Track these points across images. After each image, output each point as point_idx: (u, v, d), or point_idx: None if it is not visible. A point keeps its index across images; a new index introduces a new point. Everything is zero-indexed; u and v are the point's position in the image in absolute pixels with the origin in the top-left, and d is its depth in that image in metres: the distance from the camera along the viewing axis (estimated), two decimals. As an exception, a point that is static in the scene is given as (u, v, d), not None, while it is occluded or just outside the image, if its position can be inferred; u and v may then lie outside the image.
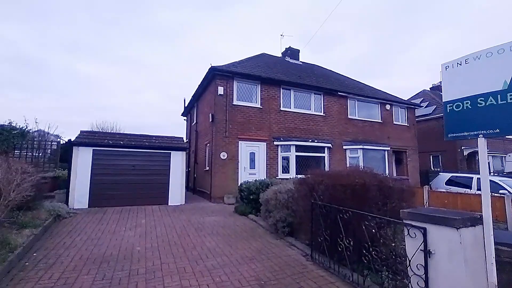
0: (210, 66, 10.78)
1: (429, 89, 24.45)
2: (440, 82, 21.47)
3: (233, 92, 11.29)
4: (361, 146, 13.41)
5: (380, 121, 15.08)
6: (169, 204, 9.67)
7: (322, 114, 13.24)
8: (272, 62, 14.79)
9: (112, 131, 23.74)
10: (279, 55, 17.84)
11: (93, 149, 8.86)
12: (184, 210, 8.73)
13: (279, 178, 11.08)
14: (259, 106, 11.73)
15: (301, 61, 17.54)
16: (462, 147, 18.68)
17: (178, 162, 9.96)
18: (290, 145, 11.79)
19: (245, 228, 6.55)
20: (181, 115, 18.97)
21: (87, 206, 8.58)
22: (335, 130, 13.46)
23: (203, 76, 11.80)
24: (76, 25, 53.48)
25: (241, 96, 11.55)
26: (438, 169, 18.70)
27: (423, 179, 15.25)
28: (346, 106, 14.05)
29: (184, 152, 10.18)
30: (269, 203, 6.14)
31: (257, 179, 8.75)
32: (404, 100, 17.16)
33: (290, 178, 11.30)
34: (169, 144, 10.00)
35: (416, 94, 24.07)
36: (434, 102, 20.76)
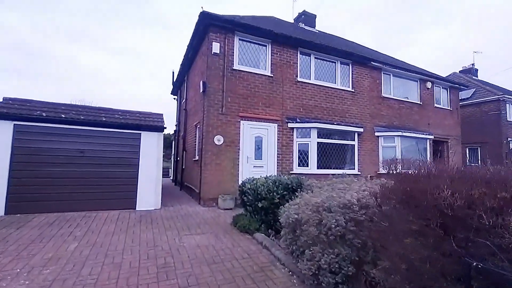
0: (201, 11, 7.51)
1: (459, 72, 21.15)
2: (473, 64, 17.83)
3: (233, 53, 8.07)
4: (399, 133, 10.29)
5: (419, 102, 11.92)
6: (137, 208, 6.62)
7: (350, 89, 10.06)
8: (284, 26, 11.46)
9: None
10: (291, 21, 14.48)
11: (14, 124, 5.73)
12: (156, 221, 5.68)
13: (294, 173, 8.03)
14: (268, 74, 8.53)
15: (317, 29, 14.21)
16: (509, 139, 15.57)
17: (151, 147, 6.86)
18: (310, 128, 8.66)
19: (253, 269, 3.49)
20: (171, 93, 15.76)
21: (2, 214, 5.52)
22: (365, 112, 10.31)
23: (193, 31, 8.54)
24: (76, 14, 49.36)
25: (245, 59, 8.34)
26: (476, 164, 15.66)
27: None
28: (380, 81, 10.85)
29: (161, 134, 7.06)
30: (301, 229, 3.07)
31: (267, 176, 5.67)
32: (447, 77, 13.92)
33: (310, 174, 8.26)
34: (138, 122, 6.86)
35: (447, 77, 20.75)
36: (472, 85, 17.50)
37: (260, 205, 4.98)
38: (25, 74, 44.12)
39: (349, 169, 9.21)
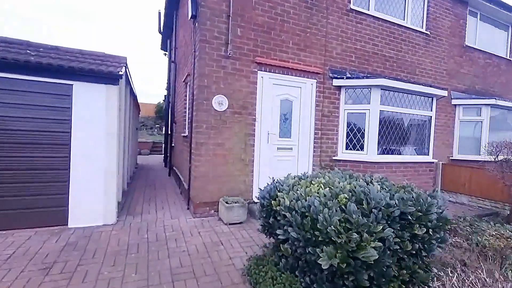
0: None
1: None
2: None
3: (246, -51, 4.54)
4: (490, 101, 6.87)
5: (508, 57, 8.32)
6: (70, 224, 3.62)
7: (423, 30, 6.51)
8: None
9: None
10: None
11: None
12: (86, 265, 2.68)
13: (342, 160, 4.92)
14: (305, -7, 5.05)
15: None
16: None
17: (95, 111, 3.70)
18: (369, 87, 5.31)
19: None
20: (161, 48, 12.25)
21: None
22: (441, 67, 6.85)
23: None
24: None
25: (266, -37, 4.80)
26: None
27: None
28: (464, 22, 7.22)
29: (116, 88, 3.83)
30: None
31: (328, 175, 2.56)
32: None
33: (365, 162, 5.12)
34: (66, 62, 3.59)
35: None
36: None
37: (324, 262, 1.89)
38: None
39: (421, 154, 6.01)
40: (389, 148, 5.53)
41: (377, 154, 5.31)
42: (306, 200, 2.26)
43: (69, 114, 3.59)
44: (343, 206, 2.07)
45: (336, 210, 2.02)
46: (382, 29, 5.88)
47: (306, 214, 2.15)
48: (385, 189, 2.38)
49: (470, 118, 7.06)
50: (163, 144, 12.82)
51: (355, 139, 5.40)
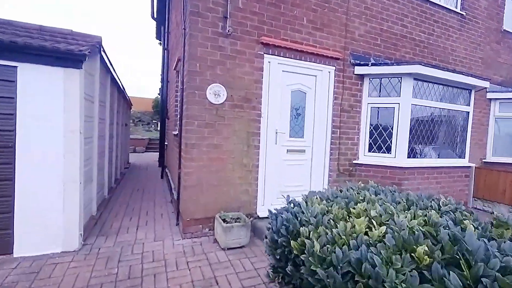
0: None
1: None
2: None
3: None
4: (533, 95, 5.90)
5: (548, 46, 7.30)
6: (16, 253, 2.74)
7: (458, 10, 5.52)
8: None
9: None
10: None
11: None
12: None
13: (365, 165, 4.02)
14: (322, -42, 4.06)
15: None
16: None
17: (51, 103, 2.78)
18: (400, 76, 4.34)
19: None
20: (156, 38, 11.28)
21: None
22: (476, 55, 5.87)
23: None
24: None
25: None
26: None
27: None
28: (503, 4, 6.21)
29: (79, 72, 2.91)
30: None
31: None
32: None
33: (394, 167, 4.20)
34: (12, 37, 2.68)
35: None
36: None
37: None
38: None
39: (455, 157, 5.07)
40: (420, 150, 4.60)
41: (407, 158, 4.38)
42: (349, 247, 1.36)
43: (12, 106, 2.68)
44: (423, 269, 1.16)
45: (412, 276, 1.12)
46: (413, 7, 4.91)
47: (355, 276, 1.25)
48: (478, 229, 1.46)
49: (508, 114, 6.10)
50: (159, 142, 11.89)
51: (380, 139, 4.47)
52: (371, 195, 1.94)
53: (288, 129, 4.02)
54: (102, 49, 3.80)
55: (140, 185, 6.33)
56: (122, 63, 45.95)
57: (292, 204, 2.00)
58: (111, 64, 4.68)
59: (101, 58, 3.96)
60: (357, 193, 2.06)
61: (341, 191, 2.17)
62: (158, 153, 12.34)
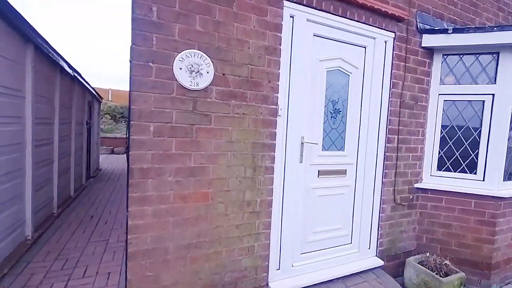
0: None
1: None
2: None
3: None
4: None
5: None
6: None
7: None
8: None
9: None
10: None
11: None
12: None
13: (432, 190, 2.31)
14: None
15: None
16: None
17: None
18: (498, 49, 2.72)
19: None
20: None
21: None
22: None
23: None
24: None
25: None
26: None
27: None
28: None
29: None
30: None
31: None
32: None
33: (485, 196, 2.53)
34: None
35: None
36: None
37: None
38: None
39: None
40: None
41: (504, 181, 2.77)
42: None
43: None
44: None
45: None
46: (497, -50, 3.27)
47: None
48: None
49: None
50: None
51: (458, 152, 2.84)
52: None
53: (321, 136, 2.36)
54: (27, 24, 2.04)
55: (99, 207, 4.59)
56: (100, 49, 43.41)
57: None
58: (52, 48, 2.90)
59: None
60: None
61: None
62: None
